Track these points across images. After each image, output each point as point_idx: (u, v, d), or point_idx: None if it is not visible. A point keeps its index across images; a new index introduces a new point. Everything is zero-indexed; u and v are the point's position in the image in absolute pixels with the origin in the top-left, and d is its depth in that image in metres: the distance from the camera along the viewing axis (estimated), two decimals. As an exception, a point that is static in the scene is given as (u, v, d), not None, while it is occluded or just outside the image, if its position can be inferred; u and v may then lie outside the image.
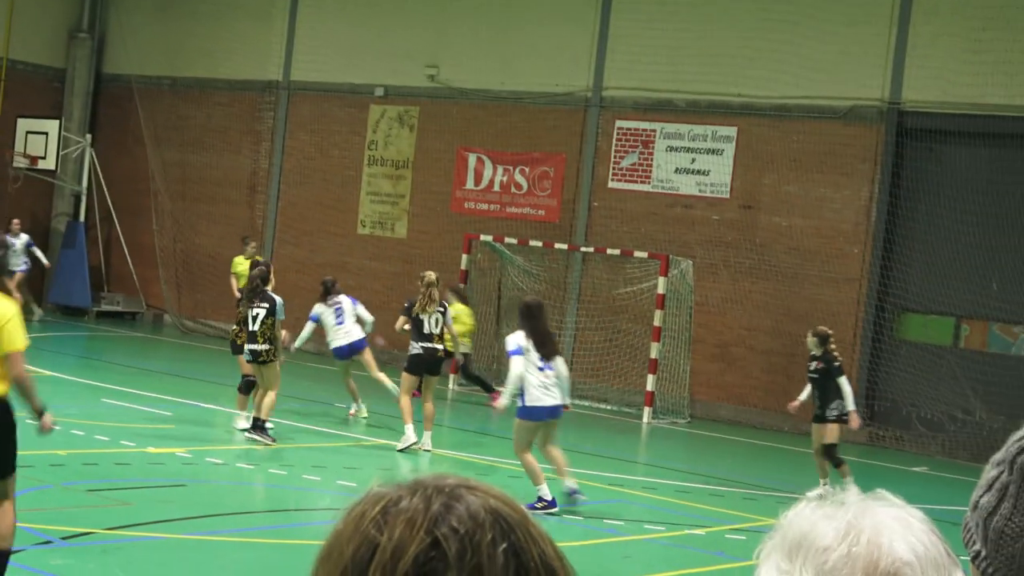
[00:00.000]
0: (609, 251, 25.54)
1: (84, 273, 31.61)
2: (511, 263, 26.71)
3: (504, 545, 1.48)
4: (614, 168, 26.52)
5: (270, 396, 17.05)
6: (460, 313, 22.72)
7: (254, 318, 17.14)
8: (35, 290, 32.89)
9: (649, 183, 26.15)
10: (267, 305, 17.19)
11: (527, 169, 27.45)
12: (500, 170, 27.77)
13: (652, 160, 26.15)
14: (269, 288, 17.45)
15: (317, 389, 22.94)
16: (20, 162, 31.34)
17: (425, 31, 28.75)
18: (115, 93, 33.24)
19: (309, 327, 19.26)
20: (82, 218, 32.34)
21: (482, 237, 26.50)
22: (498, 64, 27.88)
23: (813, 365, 17.05)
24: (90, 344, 28.28)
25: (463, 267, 26.25)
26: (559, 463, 14.83)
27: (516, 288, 26.65)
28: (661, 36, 26.03)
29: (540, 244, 26.22)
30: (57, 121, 31.55)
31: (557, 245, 26.15)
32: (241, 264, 26.18)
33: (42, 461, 14.68)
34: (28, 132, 31.36)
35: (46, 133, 31.23)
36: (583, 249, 26.13)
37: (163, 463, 15.37)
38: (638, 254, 25.18)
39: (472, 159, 28.06)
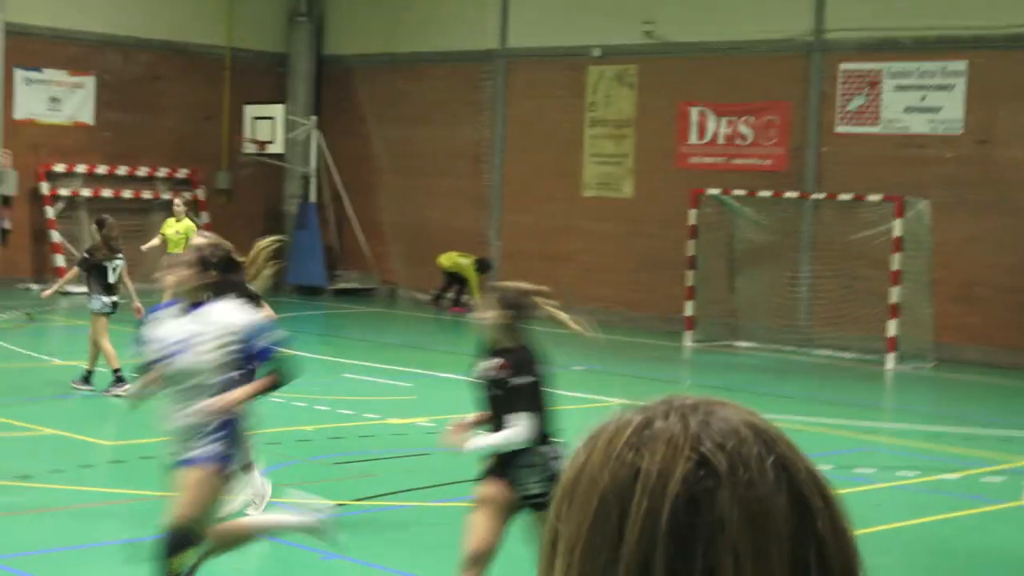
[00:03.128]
0: (841, 197, 24.96)
1: (318, 253, 32.15)
2: (740, 216, 26.30)
3: (772, 458, 1.40)
4: (841, 112, 25.91)
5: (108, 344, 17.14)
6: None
7: (114, 270, 17.28)
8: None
9: (878, 124, 25.47)
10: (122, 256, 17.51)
11: (752, 119, 26.98)
12: (724, 122, 27.35)
13: (880, 101, 25.46)
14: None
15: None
16: (249, 148, 32.01)
17: (639, -13, 28.43)
18: (336, 74, 33.69)
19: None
20: (313, 199, 32.89)
21: (709, 191, 26.15)
22: (715, 15, 27.42)
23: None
24: (329, 321, 28.76)
25: (691, 223, 25.91)
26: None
27: (747, 241, 26.24)
28: (882, -28, 25.32)
29: (769, 194, 25.76)
30: (282, 105, 32.14)
31: (787, 194, 25.65)
32: (170, 227, 23.87)
33: (289, 437, 14.93)
34: (255, 118, 32.00)
35: (272, 118, 31.83)
36: (814, 196, 25.58)
37: (406, 433, 15.48)
38: (871, 198, 24.54)
39: (694, 113, 27.70)
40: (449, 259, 29.74)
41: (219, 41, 32.92)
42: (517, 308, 8.42)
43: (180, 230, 23.40)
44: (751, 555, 1.35)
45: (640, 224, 28.24)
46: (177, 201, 24.40)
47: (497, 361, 8.32)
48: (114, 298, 17.17)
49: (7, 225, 29.89)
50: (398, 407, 17.14)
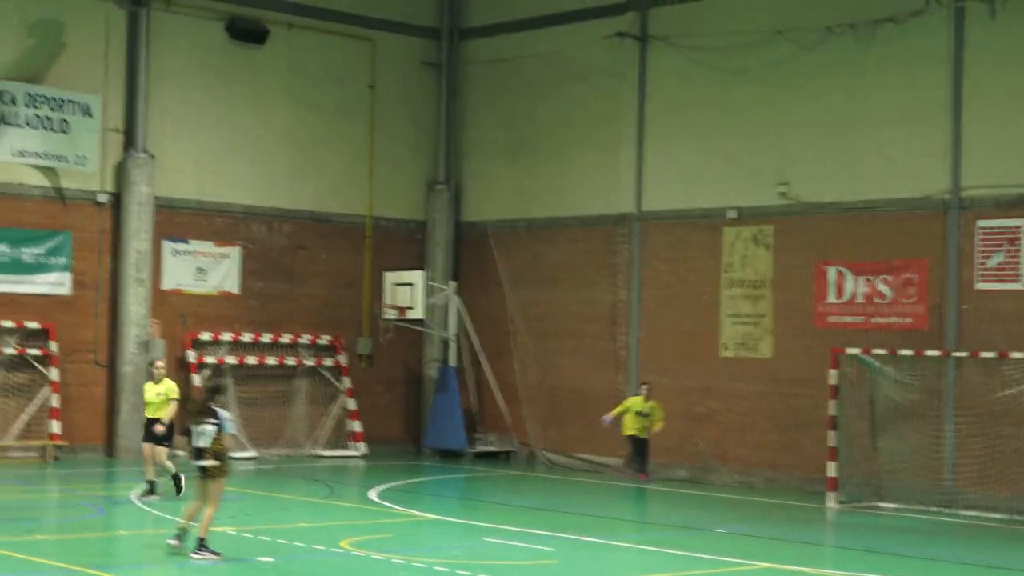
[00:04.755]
0: (983, 354, 24.65)
1: (457, 416, 32.41)
2: (881, 375, 26.05)
3: None
4: (980, 269, 25.69)
5: (210, 512, 16.88)
6: None
7: (200, 434, 16.90)
8: (412, 435, 33.88)
9: (1019, 281, 25.22)
10: (215, 420, 17.00)
11: (890, 278, 26.85)
12: (862, 281, 27.25)
13: (1020, 256, 25.23)
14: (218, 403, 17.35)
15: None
16: (389, 313, 32.49)
17: (772, 148, 28.62)
18: (473, 239, 34.20)
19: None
20: (452, 362, 33.19)
21: (848, 351, 25.96)
22: (849, 174, 27.48)
23: None
24: (468, 484, 28.83)
25: (832, 382, 25.70)
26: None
27: (889, 400, 25.94)
28: (1019, 127, 25.26)
29: (910, 353, 25.52)
30: (421, 271, 32.65)
31: (928, 352, 25.40)
32: (149, 391, 23.36)
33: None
34: (395, 284, 32.53)
35: (412, 284, 32.32)
36: (955, 354, 25.29)
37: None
38: (1014, 354, 24.22)
39: (832, 272, 27.63)
40: (633, 423, 28.83)
41: (360, 210, 33.63)
42: None
43: (160, 391, 23.12)
44: None
45: (779, 384, 28.09)
46: (158, 364, 24.06)
47: None
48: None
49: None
50: (538, 572, 17.08)
